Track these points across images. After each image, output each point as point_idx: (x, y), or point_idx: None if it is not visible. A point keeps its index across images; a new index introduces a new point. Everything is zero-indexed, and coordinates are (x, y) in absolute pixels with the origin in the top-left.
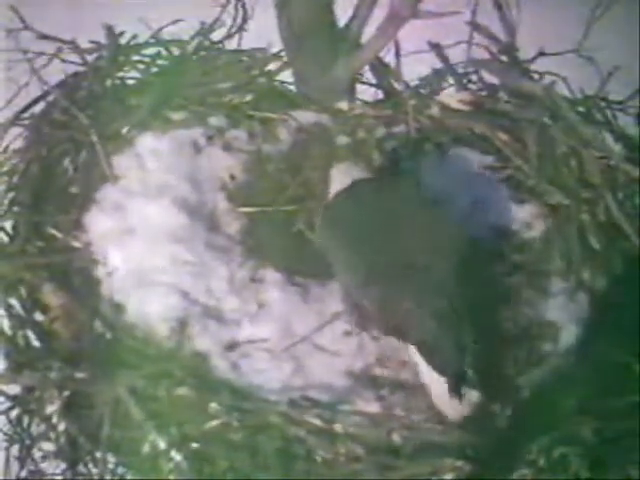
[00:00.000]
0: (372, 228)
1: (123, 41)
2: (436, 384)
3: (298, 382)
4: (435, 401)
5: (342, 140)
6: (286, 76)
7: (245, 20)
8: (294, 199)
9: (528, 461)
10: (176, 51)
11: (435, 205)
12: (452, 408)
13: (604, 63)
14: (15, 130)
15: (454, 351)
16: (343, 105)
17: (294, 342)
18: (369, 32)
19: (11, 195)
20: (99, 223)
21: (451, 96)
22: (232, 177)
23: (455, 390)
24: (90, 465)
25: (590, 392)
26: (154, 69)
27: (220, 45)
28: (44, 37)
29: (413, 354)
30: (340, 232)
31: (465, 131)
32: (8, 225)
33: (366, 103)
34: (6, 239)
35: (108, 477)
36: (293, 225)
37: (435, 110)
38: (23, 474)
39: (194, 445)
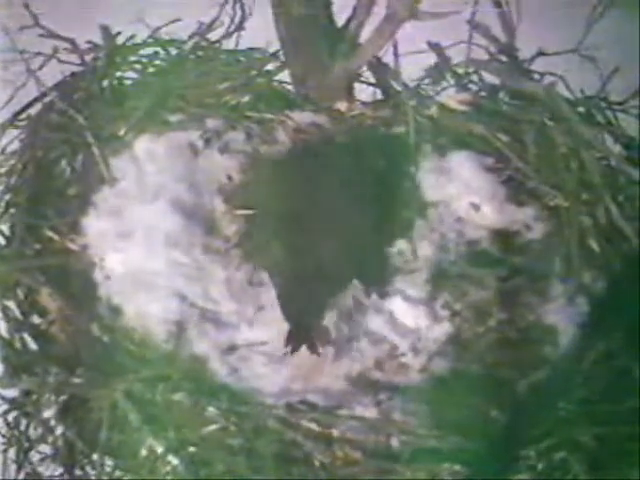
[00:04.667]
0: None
1: (120, 41)
2: None
3: (296, 386)
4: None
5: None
6: (284, 76)
7: (243, 20)
8: None
9: (527, 465)
10: (173, 51)
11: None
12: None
13: (604, 63)
14: (12, 132)
15: (307, 306)
16: (342, 106)
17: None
18: (367, 32)
19: (8, 197)
20: (96, 226)
21: (450, 97)
22: (229, 179)
23: (290, 340)
24: (87, 468)
25: (590, 396)
26: (151, 69)
27: (218, 45)
28: (50, 35)
29: None
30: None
31: (464, 132)
32: (5, 227)
33: (365, 103)
34: (3, 241)
35: None
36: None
37: (434, 111)
38: (20, 476)
39: (192, 449)
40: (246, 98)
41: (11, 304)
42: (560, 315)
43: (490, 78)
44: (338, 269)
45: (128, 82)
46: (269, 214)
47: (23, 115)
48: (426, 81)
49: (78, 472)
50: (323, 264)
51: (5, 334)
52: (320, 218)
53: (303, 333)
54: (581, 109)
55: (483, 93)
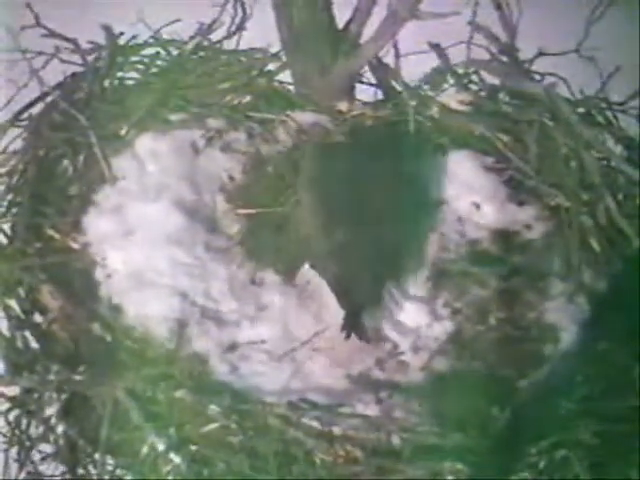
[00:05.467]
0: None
1: (122, 41)
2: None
3: (297, 384)
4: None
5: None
6: (285, 77)
7: (244, 20)
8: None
9: (528, 463)
10: (175, 51)
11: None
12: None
13: (605, 63)
14: (14, 131)
15: (363, 291)
16: (342, 106)
17: (294, 347)
18: (368, 33)
19: (10, 196)
20: (98, 225)
21: (451, 97)
22: (231, 178)
23: (347, 325)
24: (89, 467)
25: (590, 395)
26: (153, 70)
27: (219, 45)
28: (52, 35)
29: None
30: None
31: (465, 132)
32: (7, 226)
33: (366, 104)
34: (5, 240)
35: (107, 479)
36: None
37: (435, 111)
38: (22, 476)
39: (193, 447)
40: (247, 98)
41: (12, 302)
42: (560, 314)
43: (490, 78)
44: (384, 261)
45: (130, 82)
46: (322, 205)
47: (25, 114)
48: (427, 78)
49: (80, 471)
50: (376, 253)
51: (6, 332)
52: (369, 207)
53: (356, 320)
54: (581, 109)
55: (483, 93)
